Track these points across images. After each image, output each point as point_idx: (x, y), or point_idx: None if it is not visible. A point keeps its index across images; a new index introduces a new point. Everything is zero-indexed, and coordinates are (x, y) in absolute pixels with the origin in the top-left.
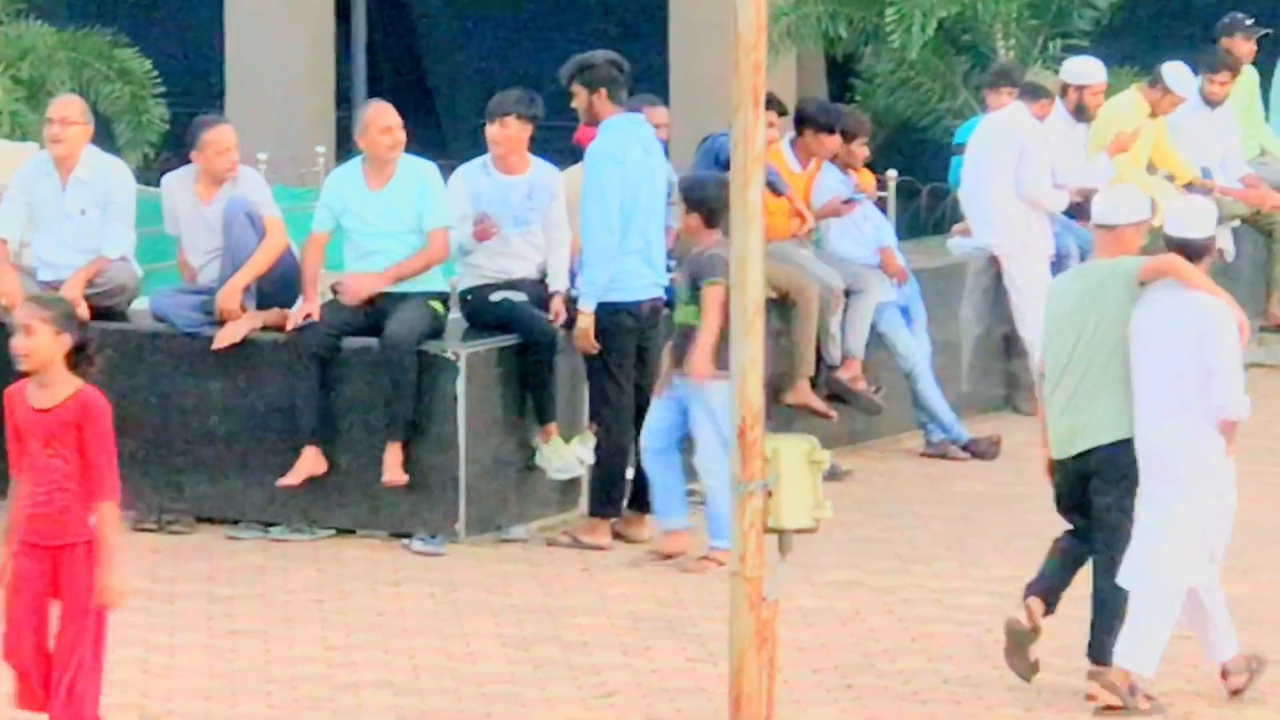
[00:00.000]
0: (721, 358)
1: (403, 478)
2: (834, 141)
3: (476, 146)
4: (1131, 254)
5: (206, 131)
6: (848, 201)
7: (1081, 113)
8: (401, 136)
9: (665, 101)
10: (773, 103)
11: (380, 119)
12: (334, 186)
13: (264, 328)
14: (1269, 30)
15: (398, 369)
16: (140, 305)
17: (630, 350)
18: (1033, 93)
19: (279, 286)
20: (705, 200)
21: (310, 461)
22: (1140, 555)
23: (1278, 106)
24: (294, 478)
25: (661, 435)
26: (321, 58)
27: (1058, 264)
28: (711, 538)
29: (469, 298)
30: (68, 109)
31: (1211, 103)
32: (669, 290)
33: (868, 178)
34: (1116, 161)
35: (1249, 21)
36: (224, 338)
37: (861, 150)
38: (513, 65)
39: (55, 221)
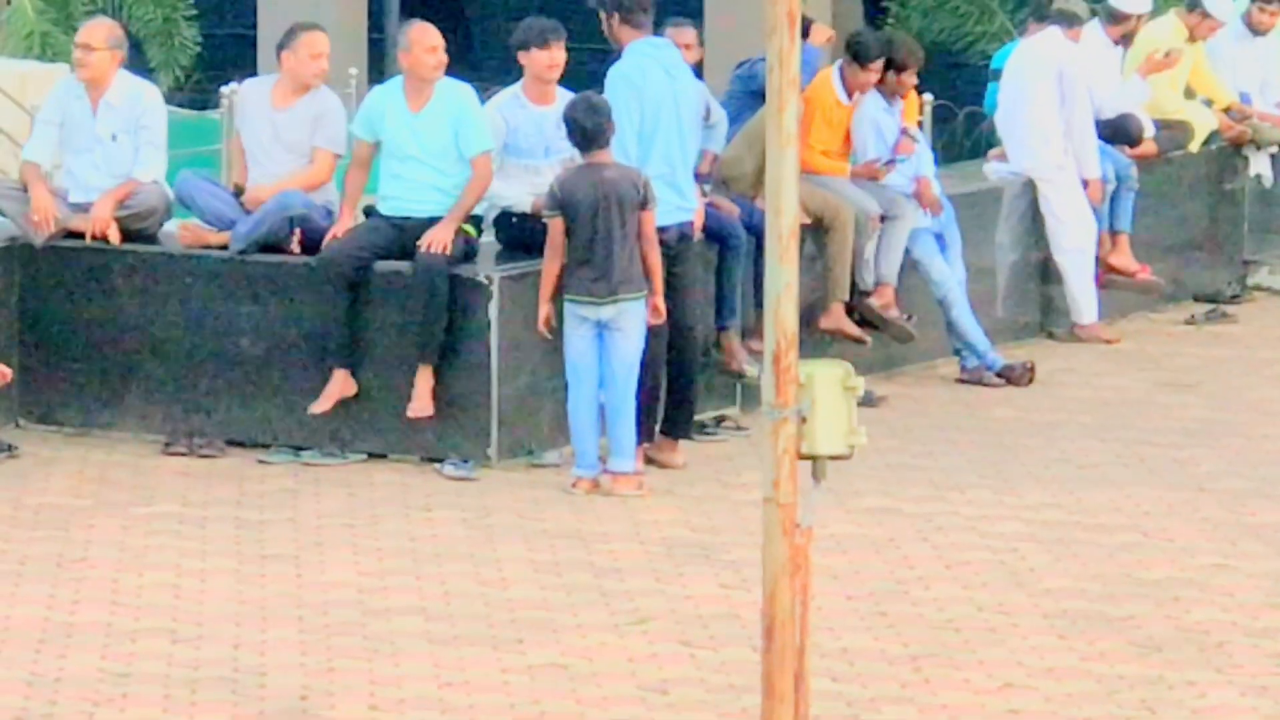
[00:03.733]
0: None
1: (429, 410)
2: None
3: (509, 70)
4: None
5: (304, 33)
6: (889, 163)
7: (1125, 39)
8: (445, 57)
9: (700, 26)
10: (808, 29)
11: (426, 38)
12: (374, 102)
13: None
14: None
15: (429, 292)
16: (170, 228)
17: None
18: (1066, 19)
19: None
20: None
21: (339, 385)
22: None
23: None
24: (324, 403)
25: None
26: None
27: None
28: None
29: (514, 219)
30: (92, 35)
31: (1258, 31)
32: (713, 217)
33: (912, 104)
34: (1151, 83)
35: None
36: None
37: (911, 80)
38: None
39: (86, 145)
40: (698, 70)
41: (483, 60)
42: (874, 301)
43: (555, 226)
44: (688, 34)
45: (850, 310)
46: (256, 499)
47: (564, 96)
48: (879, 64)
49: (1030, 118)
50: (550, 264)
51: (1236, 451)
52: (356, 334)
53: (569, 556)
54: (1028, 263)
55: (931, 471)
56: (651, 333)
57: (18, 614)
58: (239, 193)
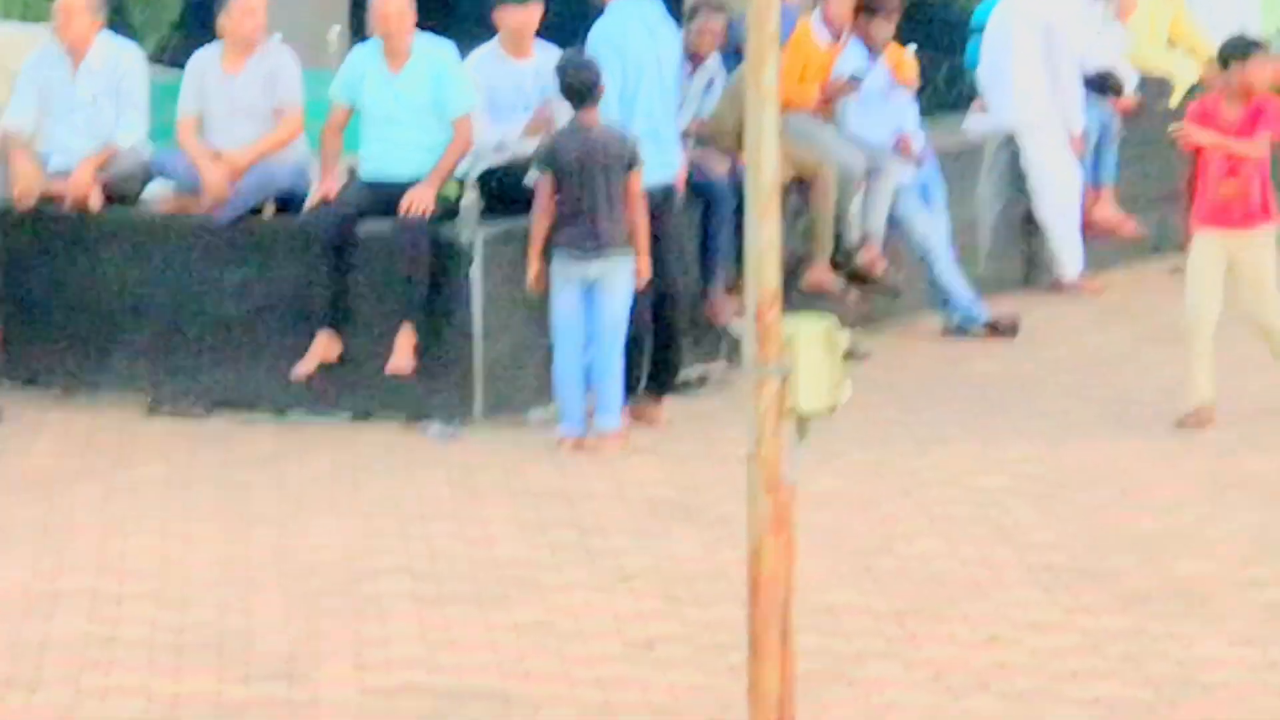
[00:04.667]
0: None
1: (409, 366)
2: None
3: (489, 30)
4: None
5: None
6: (852, 79)
7: None
8: (405, 22)
9: None
10: None
11: (381, 3)
12: (353, 64)
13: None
14: None
15: (411, 252)
16: (151, 191)
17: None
18: None
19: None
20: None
21: (323, 346)
22: None
23: None
24: (308, 364)
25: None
26: None
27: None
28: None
29: (492, 181)
30: None
31: None
32: (697, 173)
33: (910, 67)
34: (1130, 27)
35: None
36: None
37: (883, 29)
38: None
39: (66, 109)
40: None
41: (464, 20)
42: (861, 257)
43: (544, 184)
44: (716, 24)
45: (837, 266)
46: (241, 461)
47: (542, 49)
48: None
49: (1015, 71)
50: (539, 221)
51: (1221, 404)
52: (339, 295)
53: (554, 515)
54: (1010, 216)
55: (915, 426)
56: (636, 291)
57: (2, 579)
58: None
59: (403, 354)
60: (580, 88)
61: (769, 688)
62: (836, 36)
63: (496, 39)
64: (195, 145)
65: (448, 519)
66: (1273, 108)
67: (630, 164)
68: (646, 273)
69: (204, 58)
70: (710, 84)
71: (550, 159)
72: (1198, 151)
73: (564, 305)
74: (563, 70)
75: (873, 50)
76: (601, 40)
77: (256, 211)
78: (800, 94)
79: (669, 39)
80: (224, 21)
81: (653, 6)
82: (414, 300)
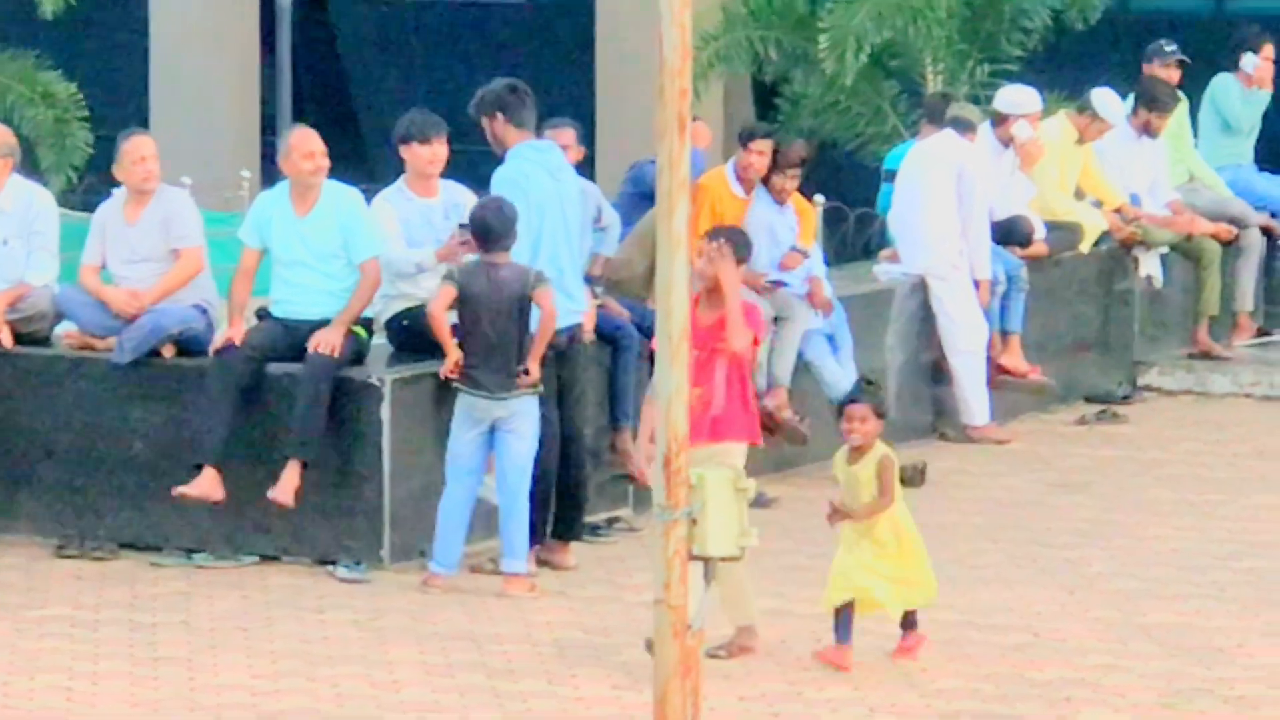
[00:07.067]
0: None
1: (290, 499)
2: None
3: (402, 170)
4: None
5: (124, 142)
6: (774, 283)
7: (1010, 141)
8: (324, 162)
9: (591, 128)
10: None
11: (303, 144)
12: (261, 209)
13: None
14: (1184, 59)
15: (312, 390)
16: (62, 330)
17: (550, 379)
18: (962, 125)
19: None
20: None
21: (208, 483)
22: None
23: (1206, 134)
24: (190, 490)
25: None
26: (246, 82)
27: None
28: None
29: (406, 321)
30: None
31: (1152, 135)
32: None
33: (809, 222)
34: (1035, 178)
35: (1169, 49)
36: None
37: (787, 182)
38: (437, 93)
39: None
40: (589, 172)
41: (374, 163)
42: (768, 403)
43: (447, 291)
44: (567, 134)
45: None
46: (149, 601)
47: (446, 187)
48: (762, 145)
49: (928, 217)
50: (436, 316)
51: (1127, 551)
52: (248, 436)
53: (461, 658)
54: (918, 364)
55: (824, 572)
56: (543, 436)
57: None
58: None
59: (285, 487)
60: (497, 230)
61: None
62: (748, 189)
63: (402, 179)
64: (96, 283)
65: (355, 661)
66: (750, 313)
67: (534, 287)
68: (536, 373)
69: (108, 208)
70: (598, 214)
71: (458, 286)
72: None
73: (463, 444)
74: (480, 212)
75: (779, 201)
76: (505, 185)
77: (157, 354)
78: None
79: (571, 184)
80: (117, 171)
81: (554, 151)
82: (306, 437)
